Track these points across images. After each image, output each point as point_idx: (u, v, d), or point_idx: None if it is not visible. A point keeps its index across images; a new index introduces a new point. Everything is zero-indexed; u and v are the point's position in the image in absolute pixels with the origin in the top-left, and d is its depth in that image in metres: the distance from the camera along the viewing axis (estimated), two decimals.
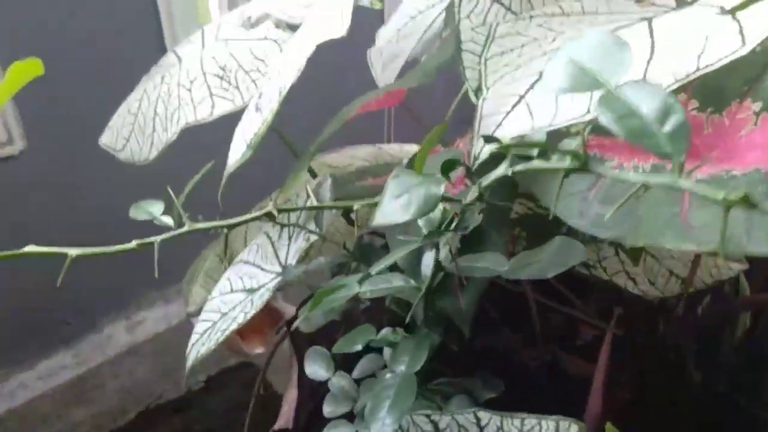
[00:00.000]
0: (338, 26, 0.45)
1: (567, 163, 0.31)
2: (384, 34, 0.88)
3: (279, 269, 0.70)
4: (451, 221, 0.37)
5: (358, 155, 0.91)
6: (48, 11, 0.87)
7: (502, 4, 0.55)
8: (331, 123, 0.69)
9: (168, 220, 0.55)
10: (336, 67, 0.97)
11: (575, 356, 0.71)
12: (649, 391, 0.65)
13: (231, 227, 0.56)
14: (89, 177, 0.99)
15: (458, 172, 0.50)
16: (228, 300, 0.71)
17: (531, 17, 0.51)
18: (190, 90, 0.65)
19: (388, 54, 0.86)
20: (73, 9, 0.89)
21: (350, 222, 0.73)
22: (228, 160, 0.55)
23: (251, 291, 0.70)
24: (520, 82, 0.45)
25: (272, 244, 0.73)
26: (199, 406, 1.21)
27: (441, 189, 0.32)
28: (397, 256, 0.38)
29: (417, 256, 0.45)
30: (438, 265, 0.40)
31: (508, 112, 0.44)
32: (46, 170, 0.96)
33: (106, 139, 0.77)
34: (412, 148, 0.88)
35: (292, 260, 0.70)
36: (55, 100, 0.93)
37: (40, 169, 0.95)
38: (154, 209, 0.56)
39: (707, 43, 0.40)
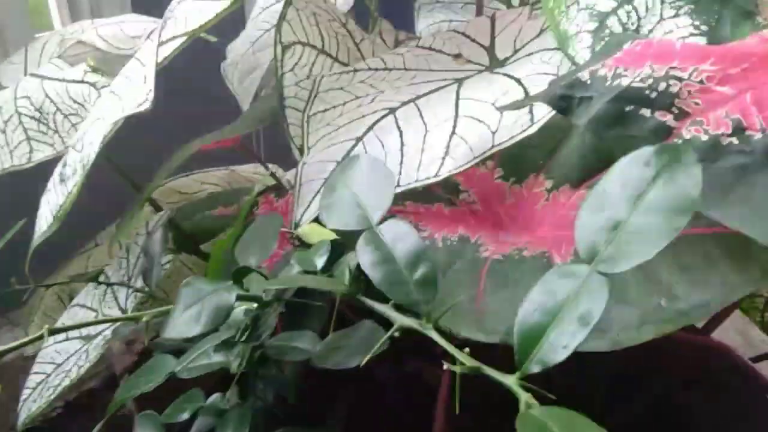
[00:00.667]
0: (142, 100, 0.42)
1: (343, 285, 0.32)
2: (237, 48, 0.85)
3: (118, 313, 0.67)
4: (255, 323, 0.37)
5: (209, 180, 0.88)
6: None
7: (329, 55, 0.54)
8: (170, 161, 0.66)
9: None
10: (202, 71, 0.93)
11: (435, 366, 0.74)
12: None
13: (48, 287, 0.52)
14: None
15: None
16: (62, 348, 0.67)
17: (355, 71, 0.52)
18: (4, 132, 0.59)
19: (245, 67, 0.83)
20: None
21: (202, 256, 0.71)
22: (35, 231, 0.52)
23: (88, 339, 0.67)
24: (338, 147, 0.46)
25: (113, 291, 0.70)
26: None
27: (233, 297, 0.32)
28: (204, 348, 0.37)
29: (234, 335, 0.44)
30: (255, 348, 0.40)
31: (326, 179, 0.45)
32: None
33: None
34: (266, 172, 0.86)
35: (132, 304, 0.68)
36: None
37: None
38: None
39: (501, 119, 0.42)
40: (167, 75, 0.53)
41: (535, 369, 0.24)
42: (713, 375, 0.47)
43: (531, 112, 0.42)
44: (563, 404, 0.23)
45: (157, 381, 0.40)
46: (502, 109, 0.40)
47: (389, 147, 0.44)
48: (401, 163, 0.44)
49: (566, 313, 0.24)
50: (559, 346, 0.23)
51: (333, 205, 0.32)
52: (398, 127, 0.46)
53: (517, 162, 0.46)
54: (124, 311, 0.67)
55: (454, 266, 0.41)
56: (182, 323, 0.31)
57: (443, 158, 0.43)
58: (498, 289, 0.38)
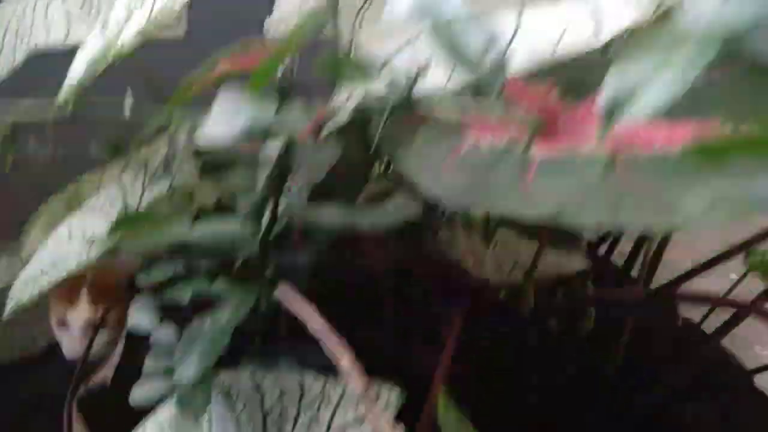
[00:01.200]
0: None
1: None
2: (285, 4, 0.84)
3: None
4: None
5: None
6: None
7: None
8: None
9: None
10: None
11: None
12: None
13: None
14: None
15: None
16: (63, 250, 0.65)
17: None
18: (46, 8, 0.58)
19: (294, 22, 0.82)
20: None
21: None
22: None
23: (91, 241, 0.64)
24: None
25: (123, 193, 0.68)
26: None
27: (273, 110, 0.29)
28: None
29: (262, 205, 0.42)
30: (275, 213, 0.38)
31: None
32: None
33: None
34: None
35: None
36: None
37: None
38: None
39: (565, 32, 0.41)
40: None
41: None
42: None
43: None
44: None
45: (176, 234, 0.38)
46: None
47: None
48: None
49: None
50: None
51: None
52: None
53: (575, 85, 0.45)
54: None
55: (502, 161, 0.39)
56: (218, 125, 0.28)
57: None
58: (548, 179, 0.36)
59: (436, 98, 0.43)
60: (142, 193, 0.66)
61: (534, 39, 0.41)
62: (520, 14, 0.45)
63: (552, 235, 0.56)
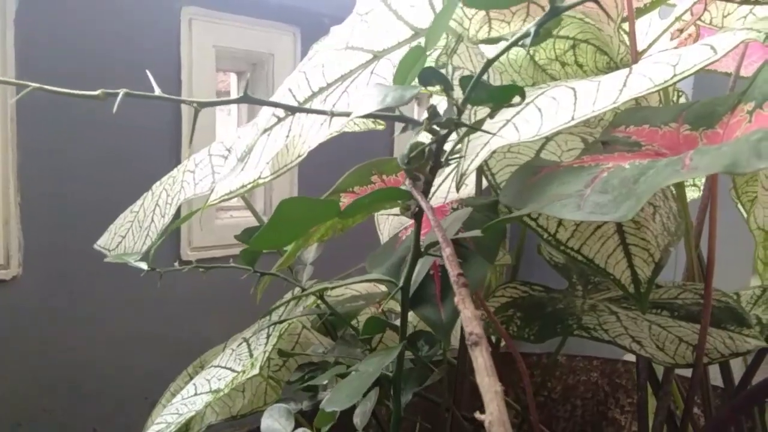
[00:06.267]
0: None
1: None
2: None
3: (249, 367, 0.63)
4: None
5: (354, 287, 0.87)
6: (64, 133, 0.92)
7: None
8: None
9: (143, 266, 0.52)
10: None
11: None
12: None
13: None
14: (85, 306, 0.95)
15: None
16: (190, 402, 0.62)
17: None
18: (194, 172, 0.66)
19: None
20: (92, 129, 0.94)
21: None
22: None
23: (217, 392, 0.62)
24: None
25: (248, 345, 0.67)
26: None
27: (416, 92, 0.30)
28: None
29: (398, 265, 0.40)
30: (417, 251, 0.36)
31: (501, 127, 0.44)
32: (37, 297, 0.93)
33: (101, 241, 0.76)
34: None
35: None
36: (62, 226, 0.94)
37: (30, 295, 0.92)
38: (130, 257, 0.53)
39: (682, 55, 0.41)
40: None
41: None
42: None
43: (713, 48, 0.41)
44: None
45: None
46: None
47: (561, 98, 0.44)
48: (575, 103, 0.43)
49: None
50: None
51: None
52: (572, 88, 0.45)
53: (706, 115, 0.43)
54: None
55: (653, 168, 0.36)
56: (367, 98, 0.29)
57: (621, 89, 0.42)
58: (705, 154, 0.33)
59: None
60: (267, 343, 0.65)
61: (652, 68, 0.42)
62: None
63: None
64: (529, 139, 0.43)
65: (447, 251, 0.26)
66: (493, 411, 0.19)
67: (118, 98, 0.34)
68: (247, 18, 1.07)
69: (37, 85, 0.34)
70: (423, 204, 0.31)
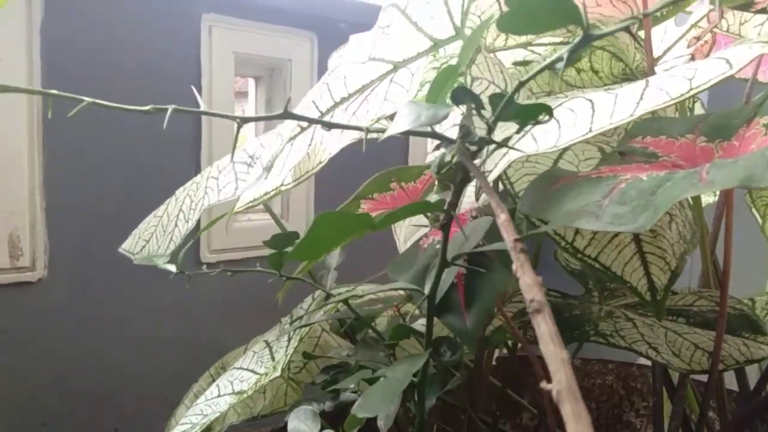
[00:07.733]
0: None
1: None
2: None
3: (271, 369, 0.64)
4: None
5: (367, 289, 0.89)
6: (88, 139, 0.94)
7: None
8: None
9: (172, 268, 0.53)
10: None
11: None
12: None
13: None
14: (109, 309, 0.98)
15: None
16: (214, 403, 0.64)
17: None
18: (217, 178, 0.67)
19: None
20: (116, 135, 0.96)
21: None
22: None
23: (240, 393, 0.63)
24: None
25: (269, 348, 0.69)
26: None
27: (449, 111, 0.31)
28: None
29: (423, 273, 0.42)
30: (443, 261, 0.37)
31: (519, 137, 0.45)
32: (62, 299, 0.95)
33: (126, 245, 0.77)
34: None
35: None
36: (86, 230, 0.96)
37: (55, 297, 0.94)
38: (159, 260, 0.55)
39: (698, 69, 0.42)
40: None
41: None
42: None
43: (729, 63, 0.42)
44: None
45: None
46: None
47: (579, 110, 0.45)
48: (592, 115, 0.44)
49: None
50: None
51: None
52: (589, 100, 0.46)
53: (721, 127, 0.44)
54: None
55: (670, 180, 0.37)
56: (402, 118, 0.30)
57: (638, 102, 0.43)
58: (722, 167, 0.34)
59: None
60: (288, 345, 0.66)
61: (668, 81, 0.42)
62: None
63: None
64: (547, 151, 0.44)
65: (502, 217, 0.27)
66: (561, 380, 0.18)
67: (168, 113, 0.35)
68: (265, 24, 1.09)
69: (90, 99, 0.36)
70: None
